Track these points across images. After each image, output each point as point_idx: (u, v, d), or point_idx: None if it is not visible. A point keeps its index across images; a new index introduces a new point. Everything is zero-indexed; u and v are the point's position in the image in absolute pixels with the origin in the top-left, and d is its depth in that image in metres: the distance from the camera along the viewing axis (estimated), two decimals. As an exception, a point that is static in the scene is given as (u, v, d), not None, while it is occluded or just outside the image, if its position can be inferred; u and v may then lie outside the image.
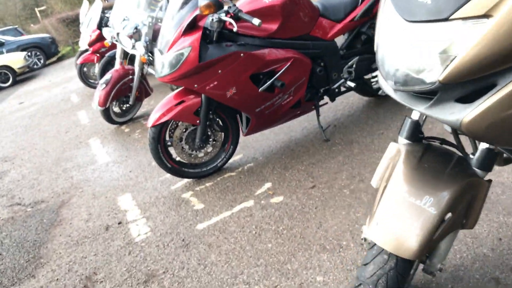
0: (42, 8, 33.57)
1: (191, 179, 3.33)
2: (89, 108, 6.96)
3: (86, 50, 8.28)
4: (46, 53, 15.52)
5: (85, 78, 8.13)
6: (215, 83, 2.88)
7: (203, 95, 3.02)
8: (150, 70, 5.33)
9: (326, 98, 3.46)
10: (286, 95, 3.12)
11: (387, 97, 3.72)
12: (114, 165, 4.12)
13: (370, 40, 3.39)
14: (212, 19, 2.82)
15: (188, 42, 2.78)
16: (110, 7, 7.74)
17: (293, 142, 3.46)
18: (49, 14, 27.45)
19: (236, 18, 2.77)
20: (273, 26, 2.94)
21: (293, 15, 3.00)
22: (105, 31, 5.41)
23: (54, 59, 16.22)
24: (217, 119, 3.22)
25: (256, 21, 2.67)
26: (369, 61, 3.42)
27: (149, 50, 5.09)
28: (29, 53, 14.73)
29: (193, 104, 3.03)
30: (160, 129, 3.10)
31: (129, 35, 4.95)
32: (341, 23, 3.23)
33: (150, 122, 3.09)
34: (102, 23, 7.65)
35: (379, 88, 3.36)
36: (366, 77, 3.49)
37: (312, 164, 3.01)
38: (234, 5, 2.83)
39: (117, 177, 3.82)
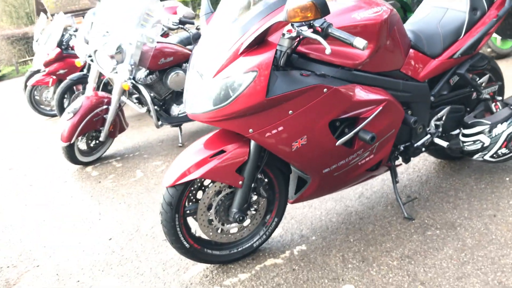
0: (-17, 24, 31.32)
1: (213, 264, 2.27)
2: (39, 137, 5.68)
3: (38, 71, 7.08)
4: (-15, 71, 13.87)
5: (35, 103, 6.86)
6: (281, 128, 1.89)
7: (252, 145, 2.02)
8: (127, 100, 4.25)
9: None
10: (367, 152, 2.18)
11: (463, 158, 2.86)
12: (84, 225, 2.96)
13: (464, 85, 2.55)
14: (284, 34, 1.87)
15: (253, 64, 1.79)
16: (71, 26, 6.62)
17: (354, 216, 2.49)
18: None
19: (324, 35, 1.83)
20: (363, 55, 2.03)
21: (387, 42, 2.10)
22: (78, 47, 4.31)
23: (-7, 78, 14.55)
24: (265, 180, 2.21)
25: (360, 42, 1.74)
26: (460, 114, 2.57)
27: (133, 75, 4.04)
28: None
29: (238, 157, 2.02)
30: (183, 191, 2.05)
31: (111, 54, 3.88)
32: (437, 59, 2.37)
33: (169, 179, 2.03)
34: (63, 41, 6.52)
35: (461, 149, 2.51)
36: (453, 133, 2.61)
37: (408, 257, 2.05)
38: (314, 20, 1.89)
39: (91, 246, 2.67)
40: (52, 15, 7.63)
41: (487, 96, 2.55)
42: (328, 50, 1.77)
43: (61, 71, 6.46)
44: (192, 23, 4.19)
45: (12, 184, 4.13)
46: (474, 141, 2.44)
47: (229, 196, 2.14)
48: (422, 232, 2.21)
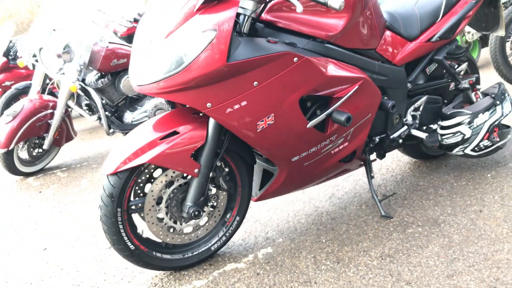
0: None
1: (164, 271, 1.93)
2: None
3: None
4: None
5: (-23, 117, 6.31)
6: (244, 103, 1.62)
7: (210, 126, 1.73)
8: (75, 106, 3.89)
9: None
10: (341, 139, 1.93)
11: (439, 157, 2.66)
12: (16, 235, 2.56)
13: (442, 73, 2.36)
14: (248, -9, 1.62)
15: (212, 22, 1.52)
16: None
17: (325, 216, 2.22)
18: None
19: (294, -5, 1.59)
20: (337, 25, 1.80)
21: (361, 17, 1.89)
22: (21, 45, 3.94)
23: None
24: (225, 169, 1.91)
25: (335, 2, 1.52)
26: (437, 105, 2.37)
27: (83, 77, 3.70)
28: None
29: (194, 140, 1.72)
30: (126, 180, 1.72)
31: (58, 53, 3.54)
32: (414, 42, 2.17)
33: (110, 166, 1.71)
34: (10, 50, 6.07)
35: (440, 143, 2.30)
36: (430, 126, 2.40)
37: (389, 256, 1.78)
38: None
39: (22, 258, 2.28)
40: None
41: (466, 86, 2.37)
42: (299, 8, 1.54)
43: (7, 83, 5.98)
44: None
45: None
46: (454, 133, 2.24)
47: (182, 188, 1.83)
48: (403, 230, 1.95)
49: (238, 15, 1.63)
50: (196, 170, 1.74)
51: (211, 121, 1.72)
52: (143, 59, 1.66)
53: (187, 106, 1.85)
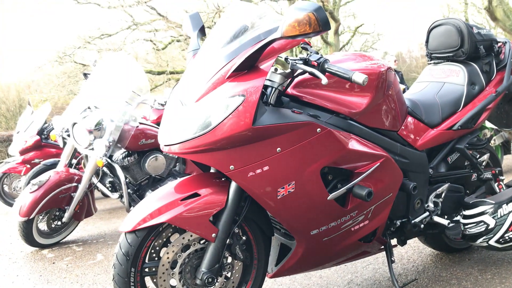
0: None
1: None
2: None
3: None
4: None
5: (3, 193, 6.45)
6: (266, 168, 1.65)
7: (231, 192, 1.75)
8: (98, 184, 3.98)
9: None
10: (362, 216, 1.91)
11: (462, 251, 2.57)
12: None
13: (464, 163, 2.37)
14: (276, 69, 1.73)
15: (241, 88, 1.61)
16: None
17: (343, 301, 2.12)
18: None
19: (320, 71, 1.68)
20: (360, 103, 1.87)
21: (384, 97, 1.97)
22: (55, 121, 4.12)
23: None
24: (242, 237, 1.88)
25: (359, 77, 1.60)
26: (460, 194, 2.35)
27: (110, 153, 3.82)
28: None
29: (213, 203, 1.73)
30: (143, 239, 1.71)
31: (89, 129, 3.69)
32: (436, 129, 2.22)
33: (128, 224, 1.72)
34: (44, 130, 6.35)
35: (463, 233, 2.24)
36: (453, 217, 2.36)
37: None
38: (317, 52, 1.77)
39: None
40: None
41: (489, 176, 2.36)
42: (324, 81, 1.62)
43: (37, 160, 6.15)
44: (179, 107, 4.10)
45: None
46: (477, 223, 2.19)
47: (198, 253, 1.80)
48: (425, 319, 1.85)
49: (266, 87, 1.73)
50: (213, 235, 1.73)
51: (232, 186, 1.74)
52: (173, 121, 1.73)
53: (210, 171, 1.89)
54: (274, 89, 1.73)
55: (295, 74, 1.77)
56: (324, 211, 1.80)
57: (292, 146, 1.66)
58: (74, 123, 3.77)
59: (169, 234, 1.80)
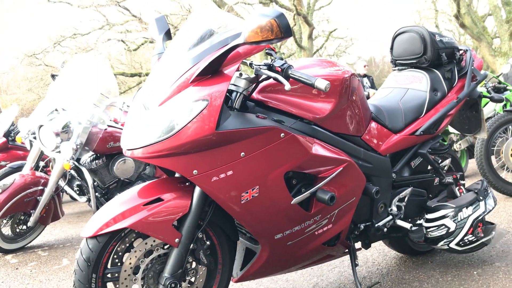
0: None
1: None
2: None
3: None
4: None
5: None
6: (230, 173, 1.65)
7: (195, 196, 1.75)
8: (66, 187, 3.92)
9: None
10: (325, 220, 1.93)
11: (425, 254, 2.63)
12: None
13: (427, 168, 2.43)
14: (241, 73, 1.74)
15: (205, 93, 1.61)
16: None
17: (308, 304, 2.14)
18: None
19: (284, 77, 1.70)
20: (324, 109, 1.89)
21: (348, 103, 2.00)
22: (21, 123, 4.03)
23: None
24: (206, 242, 1.88)
25: (321, 83, 1.62)
26: (422, 198, 2.40)
27: (77, 157, 3.76)
28: None
29: (176, 208, 1.72)
30: (105, 245, 1.69)
31: (56, 131, 3.63)
32: (399, 134, 2.26)
33: (90, 229, 1.69)
34: (11, 132, 6.20)
35: (424, 236, 2.30)
36: (415, 220, 2.41)
37: None
38: (281, 58, 1.79)
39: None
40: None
41: (450, 181, 2.41)
42: (287, 86, 1.64)
43: (3, 163, 5.98)
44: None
45: None
46: (438, 226, 2.24)
47: (161, 259, 1.79)
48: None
49: (230, 92, 1.74)
50: (176, 240, 1.72)
51: (196, 191, 1.74)
52: (136, 125, 1.72)
53: (175, 175, 1.88)
54: (238, 93, 1.73)
55: (259, 79, 1.78)
56: (288, 216, 1.81)
57: (256, 150, 1.67)
58: (41, 126, 3.70)
59: (132, 240, 1.78)
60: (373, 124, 2.21)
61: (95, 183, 3.95)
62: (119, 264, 1.77)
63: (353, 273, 2.12)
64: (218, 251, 1.91)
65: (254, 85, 1.79)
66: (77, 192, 4.03)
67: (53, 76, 4.34)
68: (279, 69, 1.71)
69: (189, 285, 1.87)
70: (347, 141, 2.01)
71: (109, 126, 3.93)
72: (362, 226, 2.15)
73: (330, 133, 1.94)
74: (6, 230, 3.72)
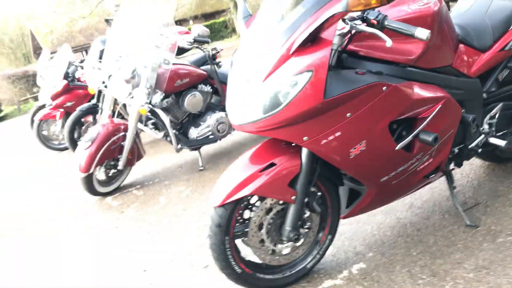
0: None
1: (264, 290, 2.07)
2: (48, 172, 5.50)
3: (43, 106, 6.93)
4: (-13, 112, 13.78)
5: (44, 138, 6.68)
6: (338, 134, 1.73)
7: (304, 156, 1.85)
8: (143, 126, 4.11)
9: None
10: (426, 156, 2.01)
11: (512, 161, 2.69)
12: (115, 259, 2.76)
13: (514, 80, 2.39)
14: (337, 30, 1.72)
15: (307, 63, 1.63)
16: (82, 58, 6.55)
17: (410, 227, 2.30)
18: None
19: (380, 28, 1.68)
20: (416, 49, 1.87)
21: (437, 36, 1.95)
22: (89, 75, 4.17)
23: (-5, 118, 14.45)
24: (318, 193, 2.02)
25: (422, 33, 1.60)
26: (511, 111, 2.40)
27: (150, 99, 3.89)
28: (-33, 112, 12.92)
29: (290, 169, 1.85)
30: (232, 210, 1.87)
31: (126, 79, 3.73)
32: (488, 52, 2.21)
33: (217, 198, 1.86)
34: (69, 73, 6.38)
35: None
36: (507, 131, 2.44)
37: (484, 268, 1.86)
38: (374, 8, 1.75)
39: (125, 280, 2.47)
40: (53, 53, 7.54)
41: (541, 89, 2.38)
42: (389, 43, 1.62)
43: (68, 104, 6.29)
44: (207, 42, 4.06)
45: (30, 220, 3.93)
46: (532, 137, 2.27)
47: (280, 213, 1.96)
48: (492, 240, 2.02)
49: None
50: (293, 197, 1.87)
51: (304, 151, 1.84)
52: (242, 100, 1.79)
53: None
54: (334, 51, 1.73)
55: (352, 33, 1.77)
56: (392, 160, 1.90)
57: (361, 109, 1.72)
58: (110, 75, 3.82)
59: (249, 198, 1.95)
60: (461, 47, 2.17)
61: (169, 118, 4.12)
62: (241, 221, 1.96)
63: (451, 196, 2.24)
64: (327, 198, 2.05)
65: (347, 39, 1.78)
66: (153, 130, 4.26)
67: (107, 20, 4.35)
68: (374, 22, 1.69)
69: (307, 230, 2.05)
70: (440, 74, 2.01)
71: (173, 64, 3.98)
72: (456, 150, 2.22)
73: (424, 71, 1.94)
74: (100, 176, 4.03)
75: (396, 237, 2.25)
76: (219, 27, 30.51)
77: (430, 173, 2.10)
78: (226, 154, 4.55)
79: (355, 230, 2.40)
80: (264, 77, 1.71)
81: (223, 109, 4.31)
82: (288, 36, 1.68)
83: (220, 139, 4.29)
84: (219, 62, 4.74)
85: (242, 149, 4.56)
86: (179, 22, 27.05)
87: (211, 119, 4.24)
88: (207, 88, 4.30)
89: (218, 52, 4.68)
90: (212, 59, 4.24)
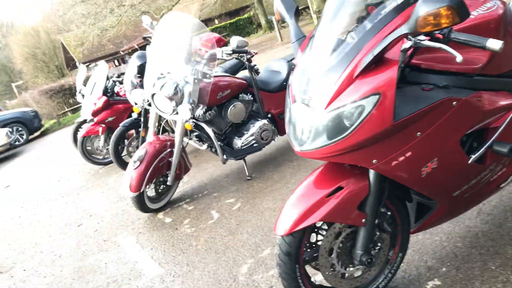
0: (19, 82, 32.56)
1: (338, 314, 2.01)
2: (99, 189, 5.59)
3: (84, 121, 7.06)
4: (29, 128, 14.11)
5: (88, 153, 6.81)
6: (409, 154, 1.66)
7: (372, 177, 1.78)
8: (188, 140, 4.12)
9: None
10: (500, 166, 1.91)
11: None
12: (175, 281, 2.76)
13: None
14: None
15: (373, 85, 1.57)
16: (120, 73, 6.64)
17: (482, 237, 2.20)
18: (25, 89, 26.36)
19: (447, 42, 1.59)
20: (483, 57, 1.77)
21: (504, 38, 1.84)
22: (131, 93, 4.20)
23: (37, 134, 14.82)
24: (388, 213, 1.96)
25: (495, 44, 1.50)
26: None
27: (193, 114, 3.88)
28: (11, 129, 13.30)
29: (358, 192, 1.79)
30: (300, 238, 1.82)
31: (169, 96, 3.73)
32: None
33: (284, 227, 1.81)
34: (108, 88, 6.48)
35: None
36: None
37: None
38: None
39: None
40: (86, 63, 7.65)
41: None
42: (459, 58, 1.53)
43: (110, 119, 6.40)
44: (246, 52, 4.02)
45: (84, 239, 4.00)
46: None
47: (349, 236, 1.90)
48: None
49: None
50: (363, 220, 1.81)
51: (372, 173, 1.78)
52: (305, 127, 1.73)
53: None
54: (398, 68, 1.66)
55: (414, 48, 1.69)
56: (465, 174, 1.82)
57: (431, 126, 1.65)
58: (153, 94, 3.82)
59: (321, 226, 1.90)
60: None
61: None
62: (308, 246, 1.91)
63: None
64: (396, 216, 1.98)
65: (410, 54, 1.70)
66: (198, 142, 4.26)
67: (145, 38, 4.37)
68: (440, 36, 1.61)
69: (378, 250, 1.98)
70: (510, 78, 1.90)
71: (214, 77, 3.96)
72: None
73: (491, 78, 1.83)
74: (151, 193, 4.06)
75: (469, 249, 2.15)
76: (244, 24, 30.54)
77: (503, 181, 2.00)
78: (271, 161, 4.51)
79: (422, 242, 2.32)
80: (327, 102, 1.64)
81: (265, 116, 4.28)
82: (351, 59, 1.62)
83: (264, 147, 4.26)
84: (256, 67, 4.68)
85: (287, 154, 4.52)
86: (204, 22, 27.15)
87: (254, 128, 4.21)
88: (248, 97, 4.27)
89: (252, 55, 4.63)
90: (251, 68, 4.18)
